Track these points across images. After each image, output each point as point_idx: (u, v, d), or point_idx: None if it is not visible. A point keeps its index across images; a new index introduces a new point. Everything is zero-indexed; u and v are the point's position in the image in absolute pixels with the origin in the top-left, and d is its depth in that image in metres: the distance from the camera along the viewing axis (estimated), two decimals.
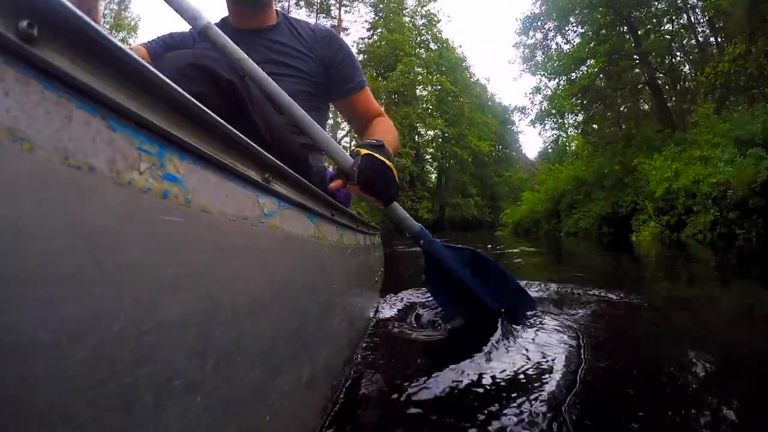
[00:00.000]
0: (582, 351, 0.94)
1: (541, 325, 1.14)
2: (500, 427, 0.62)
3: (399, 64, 19.78)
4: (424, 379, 0.80)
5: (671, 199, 6.23)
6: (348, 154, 0.86)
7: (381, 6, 22.49)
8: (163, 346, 0.23)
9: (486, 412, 0.66)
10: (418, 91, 22.26)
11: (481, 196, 26.51)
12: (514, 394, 0.71)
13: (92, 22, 0.20)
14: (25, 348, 0.16)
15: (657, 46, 9.79)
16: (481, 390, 0.74)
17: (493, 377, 0.78)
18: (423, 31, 23.12)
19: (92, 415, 0.19)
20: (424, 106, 22.55)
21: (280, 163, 0.41)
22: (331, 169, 1.15)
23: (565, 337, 1.02)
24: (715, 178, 5.51)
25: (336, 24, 23.68)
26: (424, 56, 22.52)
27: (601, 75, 11.20)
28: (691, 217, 5.79)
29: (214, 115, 0.30)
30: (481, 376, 0.77)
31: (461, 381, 0.78)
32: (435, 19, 23.15)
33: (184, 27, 0.96)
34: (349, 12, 24.00)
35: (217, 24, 1.08)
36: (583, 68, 11.29)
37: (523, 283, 1.45)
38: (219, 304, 0.29)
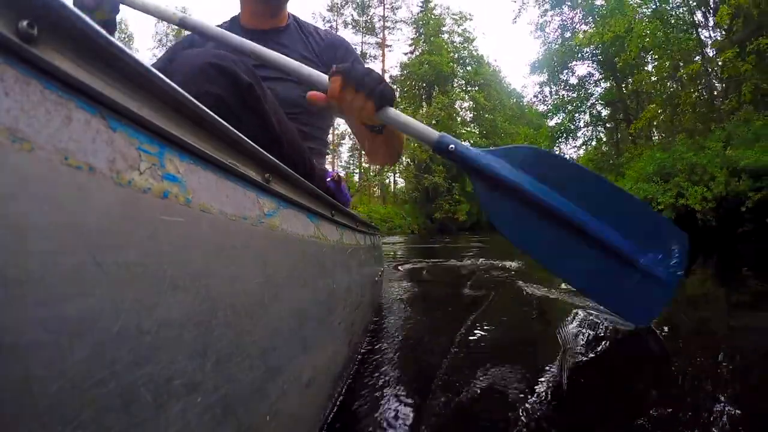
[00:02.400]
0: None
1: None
2: (501, 427, 0.62)
3: (439, 96, 21.90)
4: (424, 379, 0.80)
5: None
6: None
7: (421, 24, 24.60)
8: (163, 346, 0.23)
9: (486, 412, 0.66)
10: (456, 105, 24.22)
11: None
12: (518, 396, 0.71)
13: (92, 22, 0.20)
14: (25, 348, 0.16)
15: (628, 95, 12.29)
16: (482, 390, 0.74)
17: (496, 377, 0.78)
18: (460, 49, 24.77)
19: (92, 415, 0.19)
20: (462, 117, 24.37)
21: (280, 163, 0.41)
22: (331, 170, 1.15)
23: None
24: None
25: (380, 41, 26.52)
26: (461, 73, 24.37)
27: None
28: None
29: (214, 116, 0.30)
30: (482, 376, 0.77)
31: (462, 381, 0.78)
32: (471, 37, 24.91)
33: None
34: (392, 33, 26.86)
35: (225, 23, 1.09)
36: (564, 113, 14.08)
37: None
38: (219, 304, 0.29)
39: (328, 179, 0.97)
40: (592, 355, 0.86)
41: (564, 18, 13.87)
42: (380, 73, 0.76)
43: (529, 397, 0.71)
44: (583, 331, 1.00)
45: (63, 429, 0.18)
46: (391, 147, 0.94)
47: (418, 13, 25.39)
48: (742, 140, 5.71)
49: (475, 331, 1.11)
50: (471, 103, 24.30)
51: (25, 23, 0.17)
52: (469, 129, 23.90)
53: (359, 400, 0.69)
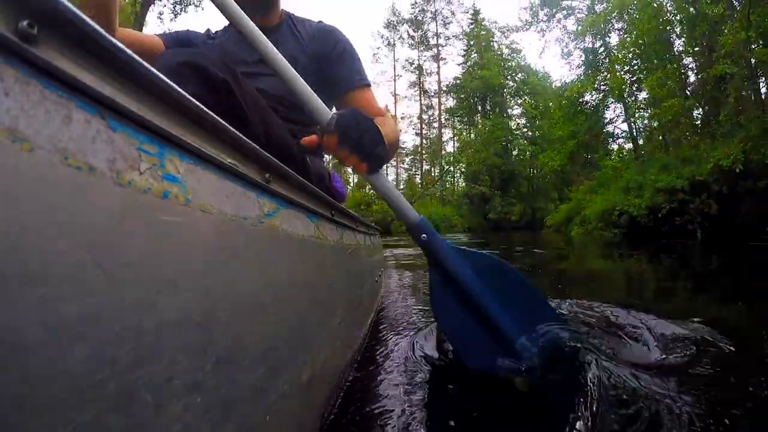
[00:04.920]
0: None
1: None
2: (501, 428, 0.62)
3: (490, 116, 24.28)
4: (424, 380, 0.79)
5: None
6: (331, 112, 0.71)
7: (472, 37, 27.22)
8: (163, 346, 0.23)
9: (486, 412, 0.66)
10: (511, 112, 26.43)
11: (561, 200, 28.47)
12: (518, 396, 0.71)
13: (92, 22, 0.20)
14: (25, 348, 0.16)
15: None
16: (481, 390, 0.74)
17: (495, 377, 0.78)
18: (509, 60, 26.34)
19: (92, 415, 0.19)
20: (516, 123, 26.25)
21: (281, 163, 0.41)
22: (333, 172, 1.14)
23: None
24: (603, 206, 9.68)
25: (435, 55, 29.36)
26: (510, 84, 25.98)
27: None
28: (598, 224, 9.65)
29: (214, 116, 0.30)
30: (482, 376, 0.77)
31: (462, 381, 0.78)
32: (518, 47, 26.65)
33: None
34: (445, 47, 29.85)
35: (225, 27, 1.08)
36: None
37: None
38: (219, 304, 0.29)
39: (328, 177, 0.96)
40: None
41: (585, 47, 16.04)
42: (392, 125, 0.77)
43: (531, 398, 0.71)
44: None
45: (63, 429, 0.18)
46: (384, 134, 0.85)
47: (469, 25, 28.10)
48: (663, 167, 8.78)
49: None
50: (522, 110, 25.83)
51: (25, 23, 0.17)
52: (518, 139, 25.41)
53: (359, 400, 0.69)
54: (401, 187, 29.62)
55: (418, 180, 29.17)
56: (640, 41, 10.84)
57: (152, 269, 0.23)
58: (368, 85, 1.04)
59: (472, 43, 27.31)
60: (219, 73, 0.62)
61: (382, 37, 31.49)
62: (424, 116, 31.25)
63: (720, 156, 6.95)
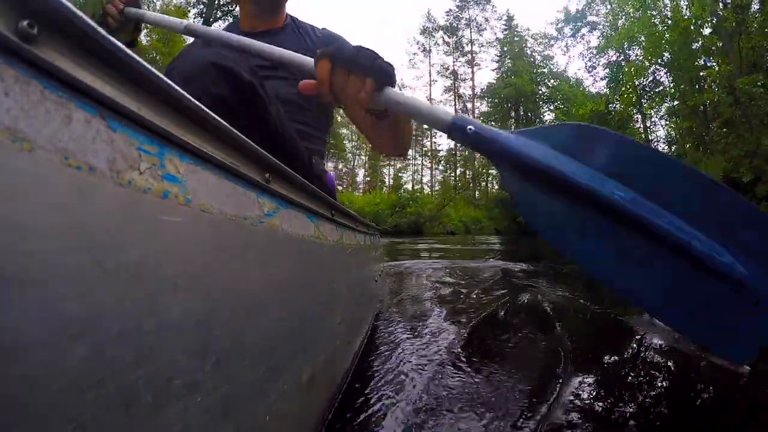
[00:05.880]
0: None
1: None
2: (500, 427, 0.62)
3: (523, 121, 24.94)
4: (424, 380, 0.80)
5: None
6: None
7: (506, 43, 28.16)
8: (163, 346, 0.23)
9: (486, 412, 0.66)
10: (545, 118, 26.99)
11: None
12: (517, 397, 0.72)
13: (92, 22, 0.20)
14: (25, 348, 0.16)
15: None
16: (481, 390, 0.74)
17: (495, 377, 0.78)
18: (541, 67, 26.86)
19: (92, 415, 0.19)
20: None
21: (281, 163, 0.41)
22: (331, 172, 1.15)
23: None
24: None
25: (469, 60, 31.22)
26: (542, 91, 26.49)
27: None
28: None
29: (214, 115, 0.30)
30: (481, 376, 0.77)
31: (462, 381, 0.78)
32: (550, 54, 27.07)
33: None
34: (479, 54, 31.31)
35: (227, 27, 1.10)
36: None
37: None
38: (219, 304, 0.29)
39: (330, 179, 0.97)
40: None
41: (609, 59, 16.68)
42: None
43: (533, 398, 0.71)
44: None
45: (63, 429, 0.18)
46: (397, 135, 0.82)
47: (503, 31, 29.35)
48: None
49: (483, 328, 1.11)
50: (554, 116, 26.41)
51: (25, 23, 0.17)
52: None
53: (359, 400, 0.69)
54: (437, 187, 30.82)
55: (452, 182, 30.50)
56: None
57: (152, 269, 0.23)
58: None
59: (505, 49, 28.15)
60: (246, 76, 0.63)
61: (417, 43, 33.06)
62: None
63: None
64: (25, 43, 0.17)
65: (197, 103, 0.28)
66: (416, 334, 1.15)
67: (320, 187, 0.69)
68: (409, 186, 32.24)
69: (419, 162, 34.82)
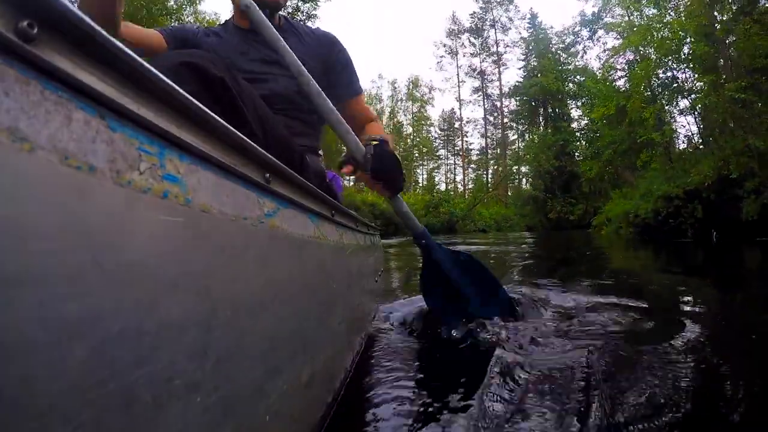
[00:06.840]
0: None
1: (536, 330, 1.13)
2: (499, 427, 0.62)
3: (552, 117, 25.94)
4: (424, 380, 0.80)
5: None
6: (360, 144, 0.92)
7: (531, 41, 29.21)
8: (163, 346, 0.23)
9: (486, 412, 0.66)
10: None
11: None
12: (516, 396, 0.71)
13: (92, 22, 0.20)
14: (25, 348, 0.16)
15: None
16: (480, 391, 0.74)
17: (494, 377, 0.78)
18: (566, 64, 27.35)
19: (92, 415, 0.19)
20: (576, 126, 27.43)
21: (281, 163, 0.41)
22: (330, 170, 1.15)
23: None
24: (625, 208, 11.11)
25: (496, 60, 32.91)
26: (568, 88, 27.04)
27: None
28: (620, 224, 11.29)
29: (214, 115, 0.30)
30: (481, 376, 0.77)
31: (461, 381, 0.78)
32: (575, 51, 27.51)
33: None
34: (505, 53, 32.80)
35: (220, 26, 1.10)
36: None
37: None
38: (219, 304, 0.29)
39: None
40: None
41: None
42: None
43: (532, 397, 0.71)
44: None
45: (63, 429, 0.18)
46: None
47: (527, 29, 30.32)
48: (667, 178, 10.21)
49: (485, 326, 1.11)
50: (581, 112, 27.08)
51: (25, 23, 0.17)
52: (577, 144, 26.54)
53: (359, 400, 0.69)
54: (470, 186, 32.47)
55: (484, 180, 31.84)
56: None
57: (152, 269, 0.23)
58: (362, 92, 1.19)
59: (531, 47, 28.87)
60: (216, 71, 0.62)
61: (444, 46, 34.28)
62: (490, 117, 33.81)
63: (695, 173, 8.55)
64: (25, 43, 0.17)
65: (197, 103, 0.28)
66: (416, 332, 1.15)
67: (320, 187, 0.70)
68: (442, 186, 33.01)
69: (451, 162, 35.60)
